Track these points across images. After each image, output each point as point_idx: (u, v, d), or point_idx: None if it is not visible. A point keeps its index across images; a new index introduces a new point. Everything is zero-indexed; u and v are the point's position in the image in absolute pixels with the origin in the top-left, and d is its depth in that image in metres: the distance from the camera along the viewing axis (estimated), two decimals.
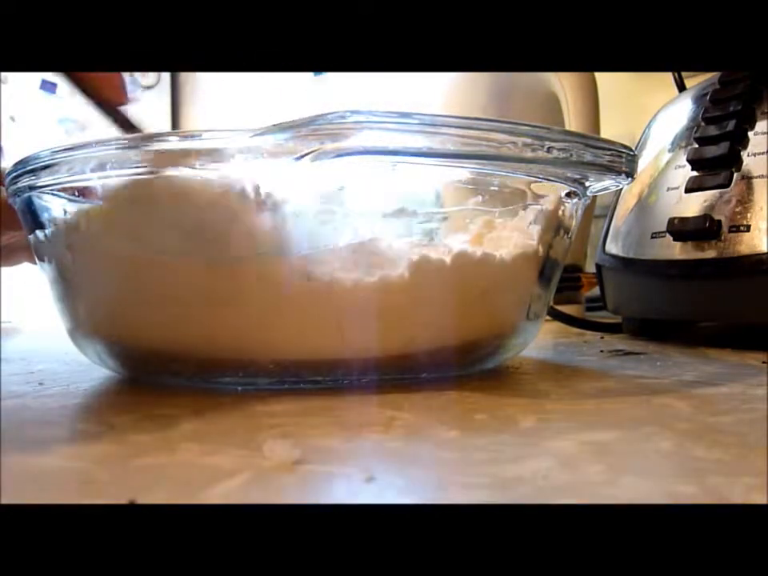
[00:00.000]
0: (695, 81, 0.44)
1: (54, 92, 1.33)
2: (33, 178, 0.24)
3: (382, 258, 0.23)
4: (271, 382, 0.24)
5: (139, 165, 0.22)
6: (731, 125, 0.36)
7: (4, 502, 0.13)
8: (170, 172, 0.22)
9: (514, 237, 0.25)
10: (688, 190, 0.37)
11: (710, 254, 0.35)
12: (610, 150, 0.24)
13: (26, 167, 0.24)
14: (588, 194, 0.27)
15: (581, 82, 0.61)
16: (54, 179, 0.24)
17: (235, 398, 0.23)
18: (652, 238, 0.39)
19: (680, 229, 0.36)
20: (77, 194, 0.24)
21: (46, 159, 0.23)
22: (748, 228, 0.34)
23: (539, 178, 0.25)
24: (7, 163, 0.26)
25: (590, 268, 0.54)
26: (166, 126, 1.71)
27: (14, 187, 0.25)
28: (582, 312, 0.59)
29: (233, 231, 0.22)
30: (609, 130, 0.62)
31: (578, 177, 0.25)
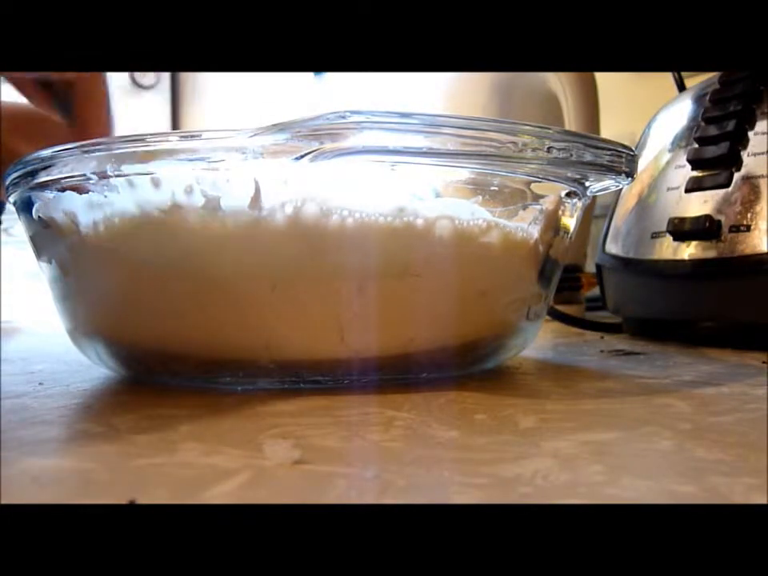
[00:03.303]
0: (695, 81, 0.44)
1: None
2: (33, 177, 0.24)
3: (382, 257, 0.23)
4: (271, 382, 0.24)
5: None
6: (731, 125, 0.36)
7: (4, 502, 0.13)
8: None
9: (513, 237, 0.25)
10: (688, 190, 0.37)
11: (710, 253, 0.35)
12: (610, 150, 0.24)
13: (27, 167, 0.24)
14: (588, 193, 0.27)
15: (581, 82, 0.61)
16: (54, 179, 0.24)
17: (235, 398, 0.23)
18: (652, 238, 0.39)
19: (680, 229, 0.36)
20: (77, 193, 0.24)
21: (46, 159, 0.23)
22: (748, 228, 0.34)
23: (539, 178, 0.24)
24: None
25: (590, 268, 0.54)
26: (166, 125, 1.71)
27: (14, 186, 0.25)
28: (582, 312, 0.59)
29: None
30: (609, 130, 0.62)
31: (578, 177, 0.25)
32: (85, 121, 0.33)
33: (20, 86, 0.33)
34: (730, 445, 0.16)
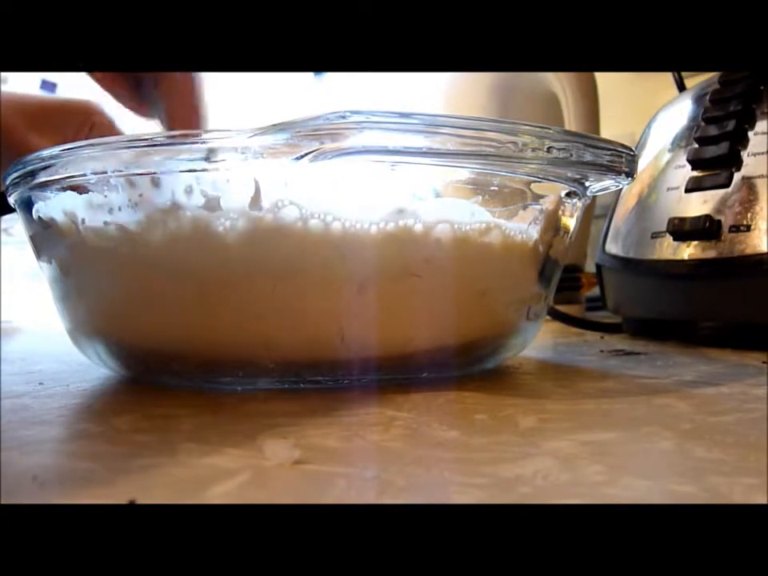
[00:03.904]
0: (695, 81, 0.44)
1: (53, 92, 1.32)
2: (33, 177, 0.24)
3: (382, 258, 0.23)
4: (271, 382, 0.24)
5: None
6: (731, 125, 0.36)
7: (4, 502, 0.13)
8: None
9: (513, 237, 0.25)
10: (688, 190, 0.37)
11: (710, 254, 0.35)
12: (610, 150, 0.24)
13: (27, 167, 0.24)
14: (588, 194, 0.27)
15: (581, 82, 0.61)
16: (54, 179, 0.24)
17: (235, 398, 0.23)
18: (652, 237, 0.39)
19: (680, 229, 0.36)
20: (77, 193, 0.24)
21: (46, 159, 0.23)
22: (748, 228, 0.34)
23: (539, 178, 0.24)
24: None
25: (590, 268, 0.54)
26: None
27: (14, 186, 0.25)
28: (582, 312, 0.59)
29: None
30: (609, 130, 0.62)
31: (578, 177, 0.25)
32: (172, 117, 0.33)
33: (102, 81, 0.33)
34: (730, 445, 0.16)
